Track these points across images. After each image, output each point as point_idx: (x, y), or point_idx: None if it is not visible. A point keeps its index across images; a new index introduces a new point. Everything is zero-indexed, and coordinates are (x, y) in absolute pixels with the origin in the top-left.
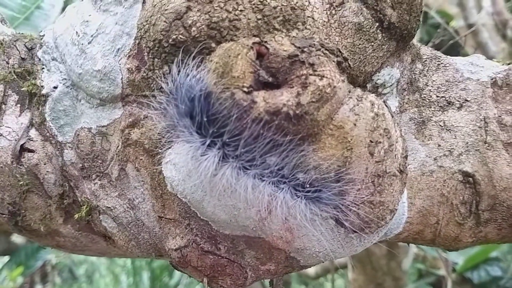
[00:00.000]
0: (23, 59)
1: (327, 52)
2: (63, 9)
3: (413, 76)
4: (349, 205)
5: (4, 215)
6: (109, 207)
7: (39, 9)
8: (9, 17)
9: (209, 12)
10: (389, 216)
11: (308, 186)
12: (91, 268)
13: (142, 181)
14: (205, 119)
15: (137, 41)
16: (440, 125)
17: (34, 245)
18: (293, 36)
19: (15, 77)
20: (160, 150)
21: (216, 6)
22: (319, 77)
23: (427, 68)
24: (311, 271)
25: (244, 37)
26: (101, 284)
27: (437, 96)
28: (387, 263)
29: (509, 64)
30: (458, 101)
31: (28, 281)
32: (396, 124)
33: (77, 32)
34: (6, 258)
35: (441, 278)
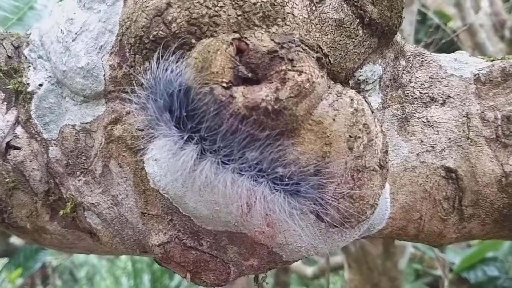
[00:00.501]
0: (9, 57)
1: (306, 48)
2: None
3: (396, 73)
4: (328, 199)
5: None
6: (93, 204)
7: (32, 9)
8: (1, 17)
9: (189, 8)
10: (370, 210)
11: (286, 179)
12: (92, 271)
13: (125, 177)
14: (184, 114)
15: (119, 38)
16: (423, 121)
17: (33, 246)
18: (273, 32)
19: (1, 75)
20: (142, 146)
21: (196, 2)
22: (298, 73)
23: (410, 64)
24: (309, 271)
25: (224, 33)
26: (101, 286)
27: (420, 93)
28: (383, 263)
29: (492, 60)
30: (441, 97)
31: (29, 283)
32: (376, 119)
33: (62, 30)
34: (5, 260)
35: (438, 278)
